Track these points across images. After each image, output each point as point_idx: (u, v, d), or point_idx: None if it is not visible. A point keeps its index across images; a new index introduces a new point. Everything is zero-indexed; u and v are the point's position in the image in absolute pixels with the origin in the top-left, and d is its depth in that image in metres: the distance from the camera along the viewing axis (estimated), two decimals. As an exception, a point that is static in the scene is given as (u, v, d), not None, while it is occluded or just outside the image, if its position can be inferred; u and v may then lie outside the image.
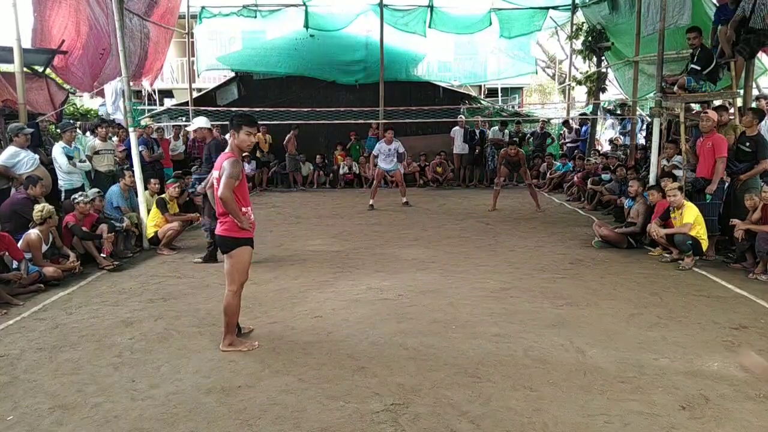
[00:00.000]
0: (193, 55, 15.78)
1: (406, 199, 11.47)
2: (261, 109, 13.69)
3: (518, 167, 10.84)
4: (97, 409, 3.40)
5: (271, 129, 14.15)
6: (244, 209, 4.12)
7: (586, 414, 3.27)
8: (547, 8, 15.69)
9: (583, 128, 15.54)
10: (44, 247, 6.18)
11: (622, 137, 15.25)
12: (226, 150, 4.19)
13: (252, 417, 3.28)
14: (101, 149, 8.67)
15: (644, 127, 13.95)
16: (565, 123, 16.30)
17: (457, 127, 14.29)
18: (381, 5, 14.57)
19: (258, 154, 14.04)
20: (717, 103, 8.42)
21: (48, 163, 7.87)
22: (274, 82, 15.71)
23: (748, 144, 6.82)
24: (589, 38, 14.24)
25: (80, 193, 7.03)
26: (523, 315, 4.94)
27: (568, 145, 15.46)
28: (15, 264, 5.78)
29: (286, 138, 14.31)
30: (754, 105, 8.00)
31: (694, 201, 6.88)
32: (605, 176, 11.08)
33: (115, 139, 9.68)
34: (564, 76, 21.60)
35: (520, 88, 25.82)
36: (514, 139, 13.08)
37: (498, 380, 3.70)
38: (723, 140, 6.87)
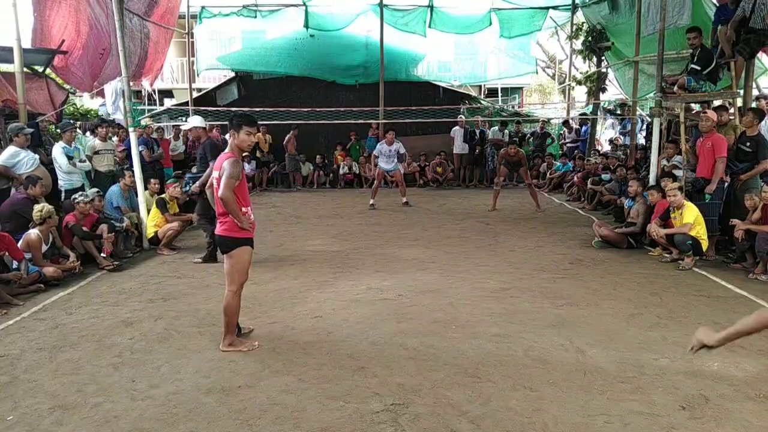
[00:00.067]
0: (193, 55, 15.78)
1: (406, 199, 11.48)
2: (261, 109, 13.69)
3: (519, 167, 10.84)
4: (97, 409, 3.40)
5: (271, 129, 14.15)
6: (244, 209, 4.12)
7: (586, 414, 3.27)
8: (547, 8, 15.69)
9: (583, 128, 15.54)
10: (44, 247, 6.18)
11: (622, 137, 15.25)
12: (226, 150, 4.19)
13: (252, 417, 3.28)
14: (101, 149, 8.68)
15: (644, 127, 13.95)
16: (565, 123, 16.31)
17: (457, 127, 14.29)
18: (381, 5, 14.57)
19: (258, 154, 14.03)
20: (717, 103, 8.42)
21: (48, 163, 7.87)
22: (274, 82, 15.71)
23: (748, 144, 6.83)
24: (589, 38, 14.24)
25: (80, 193, 7.03)
26: (523, 315, 4.94)
27: (568, 145, 15.46)
28: (15, 264, 5.78)
29: (286, 138, 14.31)
30: (754, 105, 8.00)
31: (694, 201, 6.88)
32: (605, 176, 11.08)
33: (115, 139, 9.68)
34: (564, 76, 21.60)
35: (520, 88, 25.83)
36: (514, 139, 13.10)
37: (498, 380, 3.70)
38: (723, 140, 6.87)
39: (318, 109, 14.43)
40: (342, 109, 14.45)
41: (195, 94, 15.85)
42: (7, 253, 5.71)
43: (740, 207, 6.59)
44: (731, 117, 7.66)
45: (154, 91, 18.63)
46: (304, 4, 14.61)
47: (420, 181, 14.76)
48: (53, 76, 10.45)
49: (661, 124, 8.19)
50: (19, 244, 5.92)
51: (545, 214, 10.37)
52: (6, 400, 3.52)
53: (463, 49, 18.00)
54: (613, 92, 16.76)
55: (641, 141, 13.48)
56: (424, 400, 3.44)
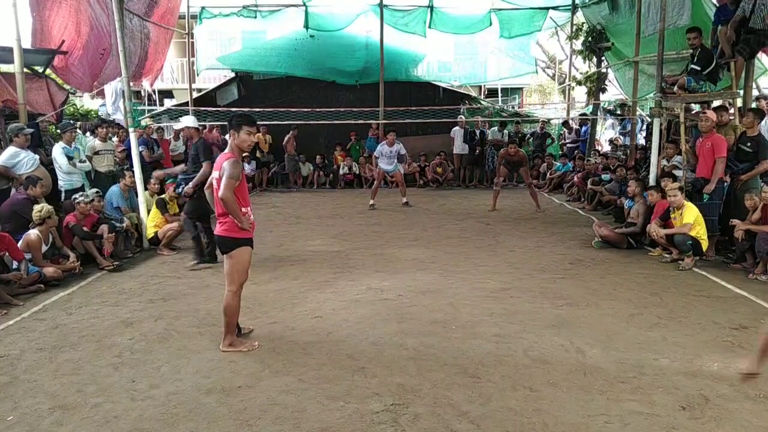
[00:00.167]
0: (193, 56, 15.78)
1: (406, 199, 11.48)
2: (261, 109, 13.68)
3: (519, 167, 10.84)
4: (97, 409, 3.40)
5: (271, 129, 14.15)
6: (244, 209, 4.12)
7: (586, 414, 3.27)
8: (547, 8, 15.69)
9: (583, 128, 15.54)
10: (44, 248, 6.18)
11: (622, 137, 15.25)
12: (226, 150, 4.19)
13: (252, 417, 3.28)
14: (101, 149, 8.67)
15: (644, 127, 13.95)
16: (565, 123, 16.30)
17: (457, 128, 14.29)
18: (381, 5, 14.57)
19: (258, 155, 14.04)
20: (717, 103, 8.42)
21: (48, 164, 7.87)
22: (274, 82, 15.71)
23: (749, 144, 6.83)
24: (589, 38, 14.24)
25: (81, 193, 7.04)
26: (523, 315, 4.94)
27: (568, 145, 15.46)
28: (15, 264, 5.78)
29: (285, 138, 14.31)
30: (754, 105, 8.00)
31: (694, 201, 6.88)
32: (605, 176, 11.08)
33: (115, 139, 9.68)
34: (564, 76, 21.59)
35: (520, 89, 25.83)
36: (514, 139, 13.09)
37: (498, 380, 3.70)
38: (722, 140, 6.87)
39: (318, 110, 14.43)
40: (342, 109, 14.45)
41: (195, 95, 15.85)
42: (7, 254, 5.71)
43: (740, 207, 6.59)
44: (731, 117, 7.66)
45: (154, 91, 18.64)
46: (304, 5, 14.61)
47: (420, 182, 14.76)
48: (53, 76, 10.44)
49: (661, 125, 8.19)
50: (19, 245, 5.92)
51: (545, 215, 10.37)
52: (6, 401, 3.52)
53: (463, 49, 18.00)
54: (613, 92, 16.76)
55: (641, 141, 13.48)
56: (424, 400, 3.44)
